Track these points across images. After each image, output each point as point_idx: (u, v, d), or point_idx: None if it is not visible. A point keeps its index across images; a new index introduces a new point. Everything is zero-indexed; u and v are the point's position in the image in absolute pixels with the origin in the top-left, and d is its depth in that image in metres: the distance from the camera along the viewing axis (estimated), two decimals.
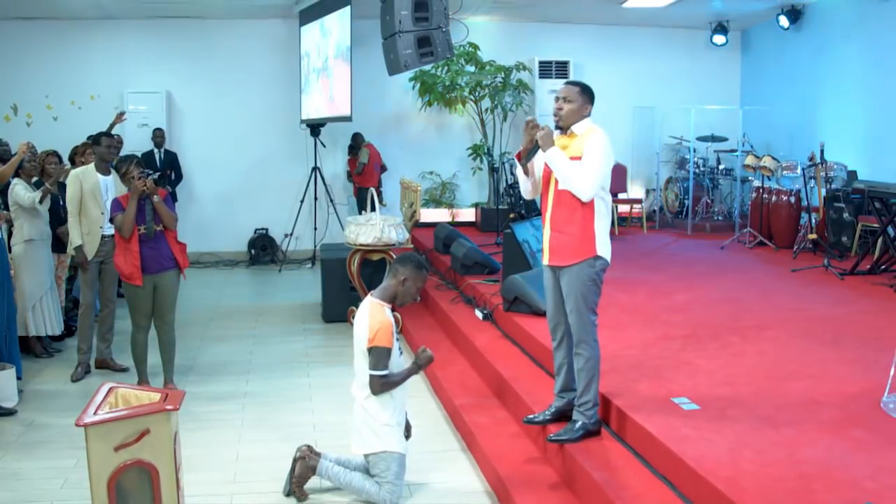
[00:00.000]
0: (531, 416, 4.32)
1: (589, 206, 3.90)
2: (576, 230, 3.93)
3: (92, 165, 6.19)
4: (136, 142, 10.70)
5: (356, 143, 11.20)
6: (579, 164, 3.88)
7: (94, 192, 6.06)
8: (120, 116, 9.55)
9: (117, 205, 5.45)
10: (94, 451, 3.19)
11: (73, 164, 7.19)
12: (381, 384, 4.00)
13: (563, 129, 4.03)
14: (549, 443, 4.11)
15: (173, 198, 10.71)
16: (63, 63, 11.06)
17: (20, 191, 6.27)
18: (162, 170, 10.49)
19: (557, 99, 4.04)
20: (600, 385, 4.08)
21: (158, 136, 10.78)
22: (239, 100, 11.50)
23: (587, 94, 4.02)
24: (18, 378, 5.82)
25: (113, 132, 9.63)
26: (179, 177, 11.03)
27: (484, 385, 5.58)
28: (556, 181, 3.96)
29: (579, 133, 3.96)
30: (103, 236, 6.11)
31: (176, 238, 5.66)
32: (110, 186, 6.15)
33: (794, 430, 3.69)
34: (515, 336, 5.97)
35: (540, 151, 3.99)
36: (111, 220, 5.56)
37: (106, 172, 6.18)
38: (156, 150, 10.74)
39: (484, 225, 11.10)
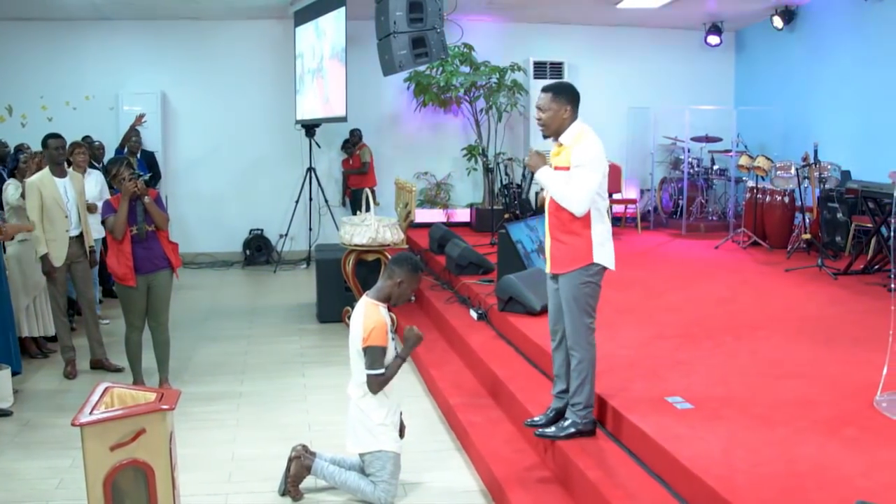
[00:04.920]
0: (532, 419, 4.31)
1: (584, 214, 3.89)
2: (572, 239, 3.92)
3: (47, 170, 6.04)
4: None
5: (353, 139, 11.18)
6: (567, 178, 3.86)
7: (55, 197, 5.97)
8: (139, 118, 9.50)
9: (108, 206, 5.43)
10: (90, 451, 3.19)
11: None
12: (379, 382, 4.02)
13: (551, 137, 4.00)
14: (539, 438, 4.12)
15: None
16: (58, 64, 11.03)
17: (11, 191, 6.26)
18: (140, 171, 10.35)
19: (538, 109, 4.00)
20: (596, 385, 4.09)
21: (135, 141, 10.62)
22: (234, 100, 11.47)
23: (563, 95, 3.92)
24: (19, 373, 5.85)
25: (132, 136, 9.66)
26: (157, 176, 10.80)
27: (478, 384, 5.59)
28: None
29: (567, 143, 3.93)
30: (70, 238, 6.08)
31: (168, 238, 5.66)
32: (68, 188, 6.08)
33: (787, 429, 3.71)
34: (510, 336, 5.99)
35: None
36: (102, 223, 5.53)
37: (62, 175, 6.09)
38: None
39: (479, 225, 11.09)
